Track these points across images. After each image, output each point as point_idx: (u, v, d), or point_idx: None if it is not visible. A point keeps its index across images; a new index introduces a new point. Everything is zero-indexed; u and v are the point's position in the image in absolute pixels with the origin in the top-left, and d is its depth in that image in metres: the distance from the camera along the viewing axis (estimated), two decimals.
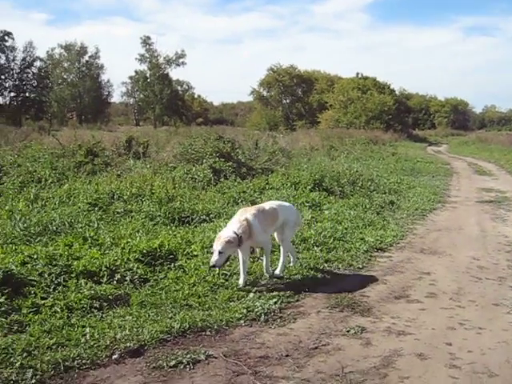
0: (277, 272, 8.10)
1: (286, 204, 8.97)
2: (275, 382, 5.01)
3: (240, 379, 5.05)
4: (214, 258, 7.22)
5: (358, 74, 77.95)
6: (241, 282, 7.62)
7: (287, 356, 5.55)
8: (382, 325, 6.48)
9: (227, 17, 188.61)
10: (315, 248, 9.48)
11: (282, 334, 6.13)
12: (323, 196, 14.06)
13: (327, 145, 31.29)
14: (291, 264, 8.54)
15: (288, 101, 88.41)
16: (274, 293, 7.32)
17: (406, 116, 79.79)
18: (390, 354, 5.65)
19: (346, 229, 10.96)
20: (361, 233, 10.91)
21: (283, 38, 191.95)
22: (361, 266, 8.97)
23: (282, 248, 8.37)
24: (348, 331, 6.24)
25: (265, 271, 8.08)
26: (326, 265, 8.77)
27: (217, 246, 7.27)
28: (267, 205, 8.49)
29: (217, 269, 7.59)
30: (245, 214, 7.86)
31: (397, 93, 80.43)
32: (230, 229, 7.52)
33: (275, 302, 6.98)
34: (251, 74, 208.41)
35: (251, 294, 7.22)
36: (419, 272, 8.76)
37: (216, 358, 5.46)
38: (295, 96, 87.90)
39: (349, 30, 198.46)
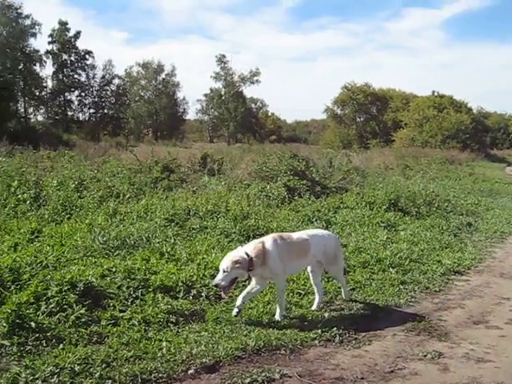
0: (343, 296, 7.84)
1: (324, 233, 8.16)
2: None
3: None
4: (218, 276, 6.76)
5: (433, 92, 76.64)
6: (234, 313, 6.93)
7: (362, 379, 5.48)
8: (460, 350, 6.30)
9: (302, 35, 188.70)
10: (391, 269, 9.34)
11: (357, 356, 6.05)
12: (399, 216, 13.87)
13: (402, 164, 30.89)
14: (314, 307, 7.49)
15: (362, 119, 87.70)
16: (349, 314, 7.25)
17: (483, 135, 77.73)
18: (469, 382, 5.49)
19: (422, 250, 10.77)
20: (437, 255, 10.69)
21: (358, 56, 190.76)
22: (437, 290, 8.77)
23: (339, 282, 8.04)
24: (425, 356, 6.10)
25: (277, 315, 7.04)
26: (401, 287, 8.61)
27: (222, 265, 6.79)
28: (298, 234, 7.75)
29: (221, 289, 6.90)
30: (265, 238, 7.31)
31: (474, 111, 78.59)
32: (243, 249, 6.99)
33: (350, 323, 6.91)
34: (325, 92, 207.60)
35: (326, 314, 7.19)
36: (499, 297, 8.50)
37: (290, 377, 5.45)
38: (369, 114, 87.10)
39: (425, 47, 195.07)
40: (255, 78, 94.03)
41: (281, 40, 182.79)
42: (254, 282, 7.14)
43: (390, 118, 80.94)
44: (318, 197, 15.52)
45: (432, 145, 58.67)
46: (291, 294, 7.82)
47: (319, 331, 6.59)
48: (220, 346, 5.92)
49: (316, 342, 6.37)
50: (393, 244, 11.01)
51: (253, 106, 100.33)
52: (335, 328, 6.68)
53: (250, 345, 6.03)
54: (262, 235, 10.60)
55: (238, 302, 6.92)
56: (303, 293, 7.88)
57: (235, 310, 6.86)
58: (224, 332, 6.40)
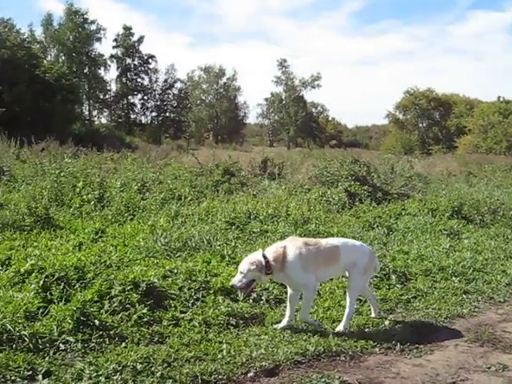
0: (339, 328, 6.77)
1: (357, 243, 7.48)
2: None
3: None
4: (235, 277, 6.69)
5: (499, 97, 75.09)
6: (282, 324, 6.80)
7: None
8: None
9: (363, 39, 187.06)
10: (453, 278, 9.13)
11: (419, 366, 5.94)
12: (462, 224, 13.55)
13: (465, 171, 30.25)
14: (373, 315, 7.36)
15: (424, 124, 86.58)
16: (411, 322, 7.13)
17: None
18: None
19: (486, 260, 10.48)
20: (502, 265, 10.38)
21: (420, 60, 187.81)
22: (502, 300, 8.51)
23: (347, 298, 7.11)
24: (489, 368, 5.93)
25: (301, 317, 6.91)
26: (464, 296, 8.40)
27: (240, 266, 6.72)
28: (326, 240, 7.31)
29: (237, 290, 6.93)
30: (287, 242, 7.00)
31: None
32: (261, 252, 6.79)
33: (411, 332, 6.79)
34: (387, 97, 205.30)
35: (386, 322, 7.09)
36: None
37: None
38: (432, 120, 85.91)
39: (489, 51, 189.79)
40: (316, 83, 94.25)
41: (342, 44, 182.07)
42: (288, 288, 7.03)
43: (454, 124, 79.71)
44: (380, 203, 15.35)
45: (496, 151, 57.45)
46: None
47: (380, 339, 6.50)
48: (280, 350, 5.91)
49: (376, 349, 6.28)
50: (456, 252, 10.76)
51: (313, 110, 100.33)
52: (396, 336, 6.59)
53: (310, 350, 6.00)
54: None
55: (287, 314, 6.85)
56: (363, 299, 7.78)
57: (283, 324, 6.76)
58: (284, 336, 6.40)
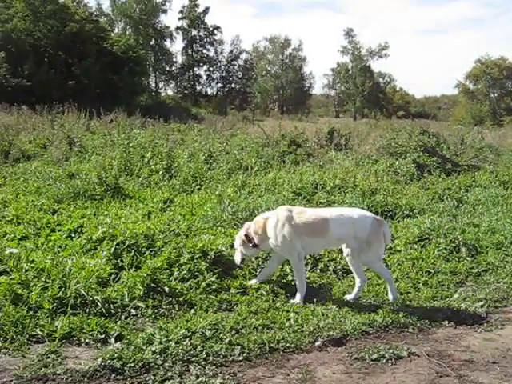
0: (390, 298, 6.68)
1: (355, 214, 6.77)
2: None
3: (443, 381, 4.89)
4: (235, 255, 7.03)
5: None
6: (252, 281, 6.99)
7: (494, 363, 5.26)
8: None
9: (433, 6, 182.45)
10: None
11: (489, 340, 5.82)
12: None
13: None
14: (349, 297, 6.75)
15: (496, 94, 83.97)
16: (481, 296, 6.97)
17: None
18: None
19: None
20: None
21: (492, 28, 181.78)
22: None
23: (378, 271, 6.96)
24: None
25: (296, 297, 6.59)
26: None
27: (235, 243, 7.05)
28: (317, 211, 7.05)
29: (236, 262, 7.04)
30: (271, 212, 7.01)
31: None
32: (247, 225, 6.96)
33: (481, 306, 6.65)
34: (456, 67, 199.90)
35: (456, 295, 6.97)
36: None
37: (419, 356, 5.34)
38: (504, 89, 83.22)
39: None
40: (383, 52, 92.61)
41: (410, 12, 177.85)
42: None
43: None
44: (449, 174, 15.02)
45: None
46: (420, 272, 7.63)
47: (449, 312, 6.41)
48: (347, 320, 5.91)
49: (446, 322, 6.18)
50: None
51: (380, 80, 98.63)
52: (466, 309, 6.48)
53: (378, 321, 5.98)
54: (390, 211, 10.52)
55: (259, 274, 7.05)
56: (432, 272, 7.67)
57: (254, 281, 6.96)
58: (351, 306, 6.38)
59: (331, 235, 6.64)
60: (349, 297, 6.73)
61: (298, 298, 6.54)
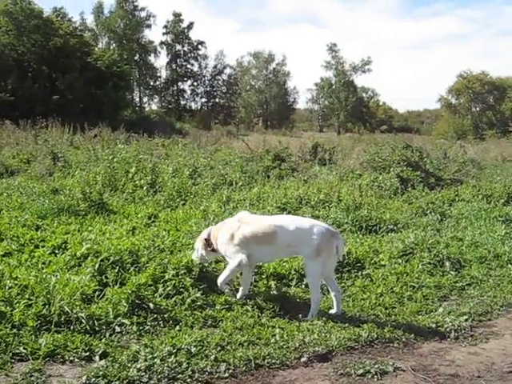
0: (308, 318, 6.46)
1: (305, 224, 6.72)
2: None
3: None
4: (193, 253, 7.32)
5: None
6: (238, 295, 6.96)
7: (479, 377, 5.30)
8: None
9: (415, 22, 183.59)
10: (509, 265, 8.92)
11: (474, 354, 5.85)
12: None
13: None
14: (333, 311, 6.72)
15: (478, 109, 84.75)
16: (465, 309, 7.01)
17: None
18: None
19: None
20: None
21: (474, 43, 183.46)
22: None
23: (311, 288, 6.74)
24: None
25: (218, 280, 6.85)
26: None
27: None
28: (267, 219, 7.14)
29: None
30: (228, 219, 7.49)
31: None
32: (209, 229, 7.27)
33: (466, 320, 6.68)
34: (439, 81, 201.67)
35: (440, 309, 7.00)
36: None
37: (404, 370, 5.35)
38: (486, 104, 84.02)
39: None
40: (367, 67, 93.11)
41: (393, 28, 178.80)
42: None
43: (508, 108, 77.89)
44: (432, 188, 15.12)
45: None
46: (404, 286, 7.66)
47: (433, 326, 6.44)
48: (333, 336, 5.90)
49: (430, 336, 6.21)
50: None
51: (364, 95, 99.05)
52: (450, 323, 6.50)
53: (363, 336, 5.97)
54: (374, 226, 10.56)
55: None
56: (417, 286, 7.70)
57: (239, 295, 6.95)
58: (336, 322, 6.38)
59: (279, 243, 6.61)
60: (333, 311, 6.71)
61: (222, 284, 6.87)
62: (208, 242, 7.00)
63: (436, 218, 11.68)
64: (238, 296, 6.91)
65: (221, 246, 6.86)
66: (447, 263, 8.50)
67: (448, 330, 6.37)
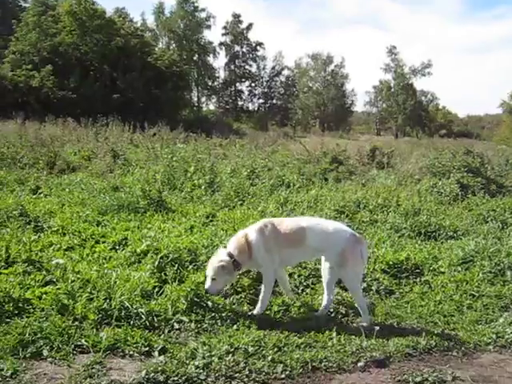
0: (362, 324, 6.37)
1: (331, 227, 6.66)
2: None
3: None
4: (207, 283, 6.31)
5: None
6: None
7: None
8: None
9: (477, 25, 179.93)
10: None
11: None
12: None
13: None
14: (318, 313, 6.59)
15: None
16: None
17: None
18: None
19: None
20: None
21: None
22: None
23: (352, 295, 6.72)
24: None
25: (256, 309, 6.47)
26: None
27: (209, 272, 6.32)
28: (293, 220, 6.91)
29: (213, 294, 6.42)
30: (248, 229, 6.68)
31: None
32: (225, 251, 6.46)
33: None
34: (501, 86, 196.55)
35: (501, 320, 6.82)
36: None
37: (463, 380, 5.26)
38: None
39: None
40: (427, 70, 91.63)
41: (454, 31, 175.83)
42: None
43: None
44: (493, 196, 14.78)
45: None
46: (464, 295, 7.50)
47: (494, 336, 6.28)
48: (390, 342, 5.86)
49: (490, 347, 6.09)
50: None
51: (423, 98, 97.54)
52: (511, 335, 6.34)
53: (421, 343, 5.90)
54: (433, 232, 10.40)
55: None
56: (477, 295, 7.53)
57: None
58: (394, 328, 6.32)
59: (307, 245, 6.49)
60: (322, 306, 6.62)
61: (256, 311, 6.45)
62: (236, 263, 6.41)
63: (497, 225, 11.40)
64: (288, 295, 6.88)
65: (259, 255, 6.46)
66: (509, 272, 8.29)
67: (509, 341, 6.23)
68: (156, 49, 62.06)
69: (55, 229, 9.11)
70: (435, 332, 6.26)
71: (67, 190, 12.80)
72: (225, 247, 6.68)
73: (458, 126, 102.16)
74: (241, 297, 6.65)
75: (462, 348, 5.97)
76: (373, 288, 7.46)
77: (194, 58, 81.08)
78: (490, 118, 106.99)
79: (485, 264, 8.47)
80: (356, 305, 6.61)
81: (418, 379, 5.18)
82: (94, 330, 5.55)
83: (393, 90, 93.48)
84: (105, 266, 7.22)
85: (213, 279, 6.27)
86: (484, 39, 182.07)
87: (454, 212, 12.47)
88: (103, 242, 8.42)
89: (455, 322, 6.67)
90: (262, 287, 6.52)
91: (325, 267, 6.54)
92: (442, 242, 10.01)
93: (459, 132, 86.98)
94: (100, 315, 5.79)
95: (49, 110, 33.83)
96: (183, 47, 78.57)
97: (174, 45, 79.50)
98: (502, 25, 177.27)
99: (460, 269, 8.40)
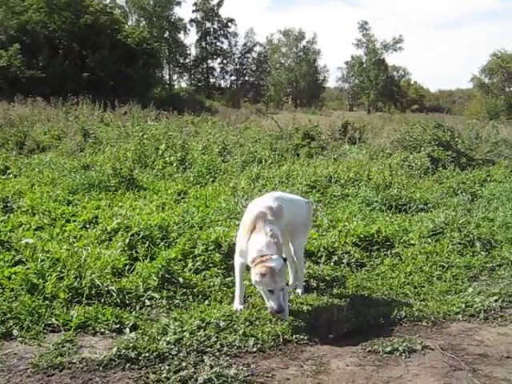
0: (298, 291, 6.46)
1: (294, 197, 6.90)
2: (494, 382, 4.75)
3: (457, 374, 4.86)
4: (279, 300, 5.43)
5: None
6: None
7: (508, 357, 5.22)
8: None
9: (448, 0, 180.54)
10: None
11: (503, 334, 5.78)
12: None
13: None
14: (289, 283, 6.56)
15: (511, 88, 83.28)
16: (495, 290, 6.92)
17: None
18: None
19: None
20: None
21: (508, 21, 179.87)
22: None
23: (296, 259, 6.48)
24: None
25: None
26: None
27: (279, 283, 5.42)
28: (271, 199, 6.23)
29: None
30: (264, 222, 5.73)
31: None
32: (276, 257, 5.50)
33: (496, 300, 6.56)
34: (472, 60, 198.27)
35: (470, 289, 6.90)
36: None
37: (432, 349, 5.32)
38: None
39: None
40: (398, 46, 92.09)
41: (425, 5, 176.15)
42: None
43: None
44: (464, 169, 14.97)
45: None
46: (434, 266, 7.57)
47: (463, 306, 6.34)
48: (361, 314, 5.90)
49: (459, 316, 6.14)
50: None
51: (395, 74, 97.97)
52: (480, 304, 6.42)
53: (392, 314, 5.96)
54: (404, 205, 10.49)
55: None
56: (447, 266, 7.62)
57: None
58: (365, 299, 6.38)
59: (284, 220, 6.15)
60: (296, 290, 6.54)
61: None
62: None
63: (467, 198, 11.54)
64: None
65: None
66: (478, 243, 8.40)
67: (477, 310, 6.29)
68: (126, 26, 61.17)
69: (25, 209, 9.02)
70: (405, 303, 6.32)
71: (37, 169, 12.65)
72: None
73: (429, 101, 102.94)
74: (212, 272, 6.64)
75: (432, 318, 6.02)
76: (344, 261, 7.49)
77: (165, 36, 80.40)
78: (461, 93, 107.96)
79: (454, 235, 8.56)
80: (299, 273, 6.58)
81: (388, 349, 5.22)
82: (65, 308, 5.51)
83: (365, 65, 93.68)
84: (75, 244, 7.14)
85: (282, 289, 5.52)
86: (455, 14, 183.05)
87: (424, 185, 12.61)
88: (74, 221, 8.36)
89: (425, 293, 6.73)
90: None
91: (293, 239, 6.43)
92: (412, 215, 10.10)
93: (431, 107, 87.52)
94: (70, 294, 5.74)
95: (17, 89, 33.22)
96: (153, 24, 77.78)
97: (144, 22, 78.63)
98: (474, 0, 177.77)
99: (430, 240, 8.49)
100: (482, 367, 5.02)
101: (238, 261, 5.97)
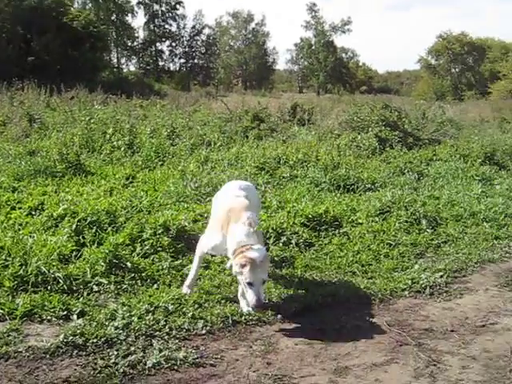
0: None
1: (247, 183, 6.85)
2: (439, 355, 4.86)
3: (403, 349, 4.97)
4: (261, 293, 5.17)
5: None
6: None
7: (452, 331, 5.38)
8: None
9: None
10: (485, 223, 8.99)
11: (448, 309, 5.94)
12: (494, 170, 13.28)
13: (499, 117, 29.57)
14: None
15: (457, 70, 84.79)
16: (441, 266, 7.08)
17: None
18: None
19: None
20: None
21: (454, 3, 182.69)
22: None
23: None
24: None
25: None
26: (495, 242, 8.27)
27: (262, 275, 5.20)
28: (236, 188, 6.19)
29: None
30: (239, 212, 5.58)
31: None
32: (259, 247, 5.33)
33: (441, 276, 6.74)
34: (419, 42, 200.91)
35: (416, 266, 7.05)
36: None
37: (379, 325, 5.43)
38: (465, 65, 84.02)
39: None
40: (346, 27, 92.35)
41: None
42: None
43: (488, 69, 78.01)
44: (410, 148, 15.22)
45: None
46: (381, 244, 7.71)
47: (409, 282, 6.48)
48: (309, 293, 5.97)
49: (406, 292, 6.28)
50: (487, 198, 10.58)
51: (343, 55, 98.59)
52: (425, 280, 6.57)
53: (340, 292, 6.05)
54: (352, 185, 10.61)
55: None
56: (393, 244, 7.76)
57: None
58: (313, 279, 6.45)
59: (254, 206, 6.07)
60: None
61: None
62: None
63: (413, 177, 11.76)
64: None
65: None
66: (424, 221, 8.58)
67: (423, 286, 6.44)
68: (72, 9, 59.80)
69: None
70: (353, 281, 6.43)
71: None
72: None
73: (378, 83, 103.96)
74: (161, 256, 6.61)
75: (379, 295, 6.13)
76: (292, 241, 7.52)
77: (112, 18, 78.87)
78: (408, 74, 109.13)
79: (401, 214, 8.73)
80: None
81: (337, 326, 5.32)
82: (10, 297, 5.39)
83: (314, 47, 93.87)
84: (20, 232, 6.99)
85: (264, 282, 5.32)
86: None
87: (372, 165, 12.78)
88: (19, 208, 8.14)
89: (373, 271, 6.85)
90: None
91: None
92: (360, 194, 10.25)
93: (379, 88, 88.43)
94: (16, 282, 5.63)
95: None
96: (100, 7, 76.15)
97: (90, 4, 76.98)
98: None
99: (377, 219, 8.62)
100: (428, 341, 5.14)
101: (200, 251, 5.94)
